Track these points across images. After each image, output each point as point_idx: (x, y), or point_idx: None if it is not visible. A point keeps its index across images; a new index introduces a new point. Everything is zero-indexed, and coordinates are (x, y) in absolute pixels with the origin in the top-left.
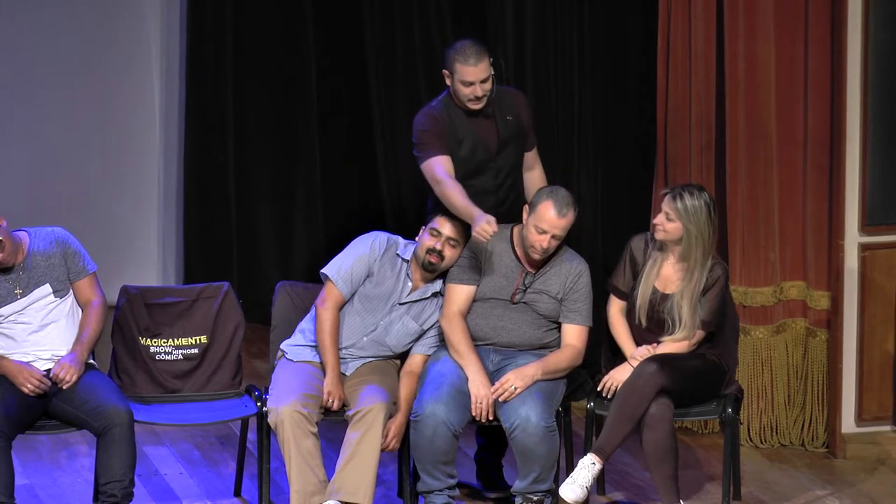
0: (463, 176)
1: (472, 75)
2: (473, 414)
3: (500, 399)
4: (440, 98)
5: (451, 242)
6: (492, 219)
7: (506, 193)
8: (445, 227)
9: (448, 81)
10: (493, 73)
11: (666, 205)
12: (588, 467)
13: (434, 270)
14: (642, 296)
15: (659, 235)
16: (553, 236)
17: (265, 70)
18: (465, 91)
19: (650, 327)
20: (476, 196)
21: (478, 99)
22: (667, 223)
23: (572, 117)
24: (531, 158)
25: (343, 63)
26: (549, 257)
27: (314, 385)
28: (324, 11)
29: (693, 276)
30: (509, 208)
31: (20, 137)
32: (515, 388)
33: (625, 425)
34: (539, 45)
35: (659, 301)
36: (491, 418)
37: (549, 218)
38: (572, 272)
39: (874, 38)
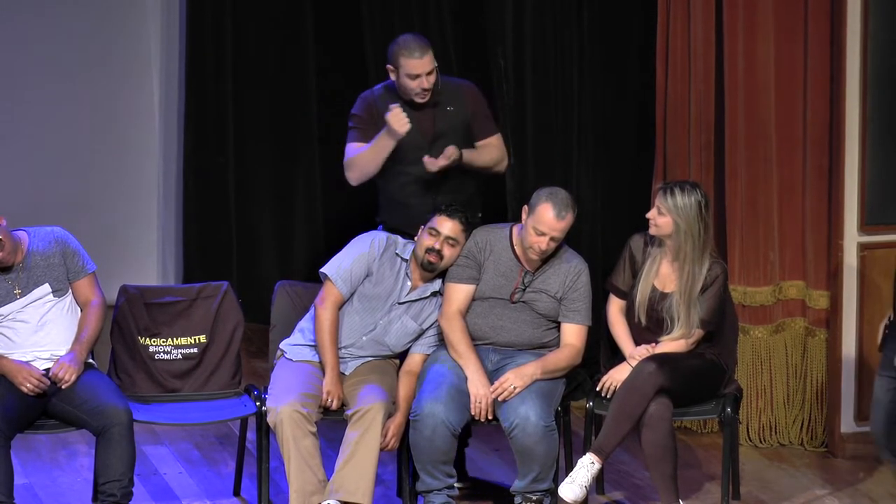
0: (399, 163)
1: (417, 68)
2: (473, 413)
3: (499, 398)
4: (384, 84)
5: (450, 241)
6: (394, 106)
7: (450, 185)
8: (444, 227)
9: (393, 76)
10: (436, 65)
11: (658, 199)
12: (587, 467)
13: (433, 270)
14: (641, 294)
15: (651, 230)
16: (552, 238)
17: (265, 70)
18: (412, 84)
19: (650, 326)
20: (414, 184)
21: (425, 91)
22: (658, 217)
23: (572, 117)
24: (488, 143)
25: (342, 62)
26: (548, 256)
27: (313, 384)
28: (323, 11)
29: (686, 272)
30: (469, 198)
31: (20, 137)
32: (514, 388)
33: (624, 425)
34: (539, 45)
35: (658, 300)
36: (490, 417)
37: (547, 220)
38: (572, 271)
39: (874, 37)
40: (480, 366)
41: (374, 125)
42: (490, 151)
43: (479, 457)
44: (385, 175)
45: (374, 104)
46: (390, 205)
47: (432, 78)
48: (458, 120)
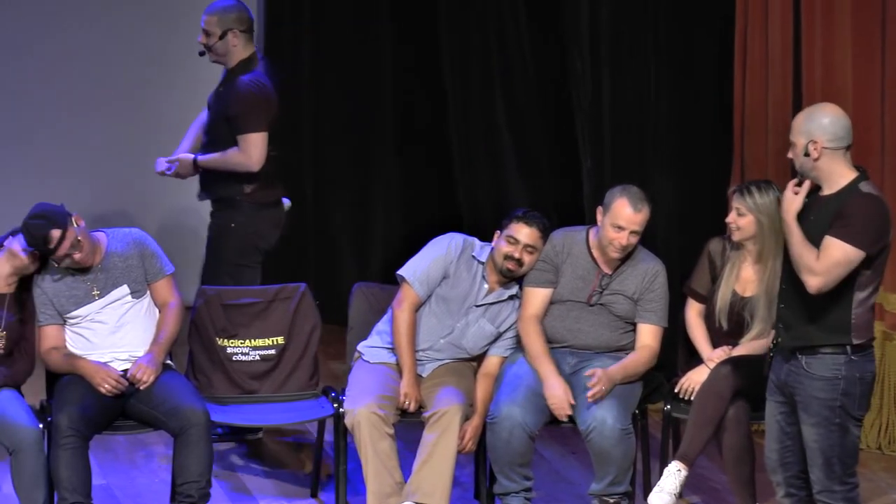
0: None
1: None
2: (551, 409)
3: (589, 398)
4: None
5: (529, 249)
6: None
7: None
8: (522, 234)
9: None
10: (218, 32)
11: (735, 201)
12: (674, 474)
13: (512, 277)
14: (722, 299)
15: (734, 236)
16: (631, 232)
17: (342, 70)
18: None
19: (731, 330)
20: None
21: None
22: (739, 219)
23: (648, 119)
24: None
25: (419, 64)
26: (624, 258)
27: (391, 386)
28: (401, 13)
29: (769, 269)
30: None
31: (96, 135)
32: (602, 390)
33: (705, 429)
34: (615, 47)
35: (739, 304)
36: (570, 412)
37: (625, 214)
38: (648, 272)
39: None
40: (555, 368)
41: None
42: (232, 151)
43: (555, 459)
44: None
45: None
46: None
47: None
48: (218, 106)
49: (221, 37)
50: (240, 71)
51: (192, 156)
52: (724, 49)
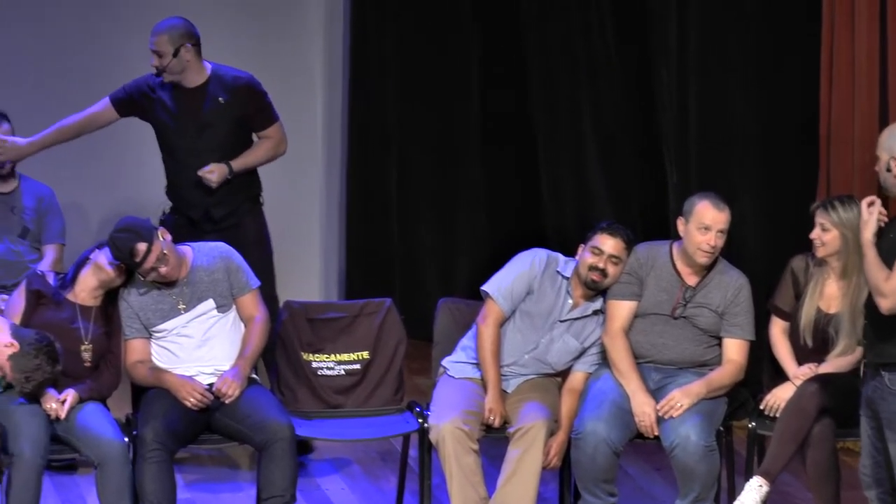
0: (167, 144)
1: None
2: (638, 427)
3: (664, 416)
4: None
5: (613, 260)
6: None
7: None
8: (607, 245)
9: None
10: (171, 49)
11: (820, 217)
12: (755, 489)
13: (596, 288)
14: (806, 316)
15: (819, 251)
16: (718, 231)
17: (429, 85)
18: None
19: (816, 348)
20: (185, 171)
21: (158, 69)
22: (823, 235)
23: (734, 134)
24: (265, 135)
25: (507, 80)
26: (707, 270)
27: (475, 402)
28: (487, 28)
29: (853, 284)
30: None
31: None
32: (681, 405)
33: (789, 446)
34: (701, 60)
35: (823, 321)
36: (657, 432)
37: (710, 214)
38: (732, 285)
39: None
40: (643, 384)
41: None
42: (264, 145)
43: (640, 475)
44: (163, 152)
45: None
46: (170, 183)
47: (157, 61)
48: (229, 113)
49: (175, 54)
50: (214, 79)
51: (224, 166)
52: (810, 61)
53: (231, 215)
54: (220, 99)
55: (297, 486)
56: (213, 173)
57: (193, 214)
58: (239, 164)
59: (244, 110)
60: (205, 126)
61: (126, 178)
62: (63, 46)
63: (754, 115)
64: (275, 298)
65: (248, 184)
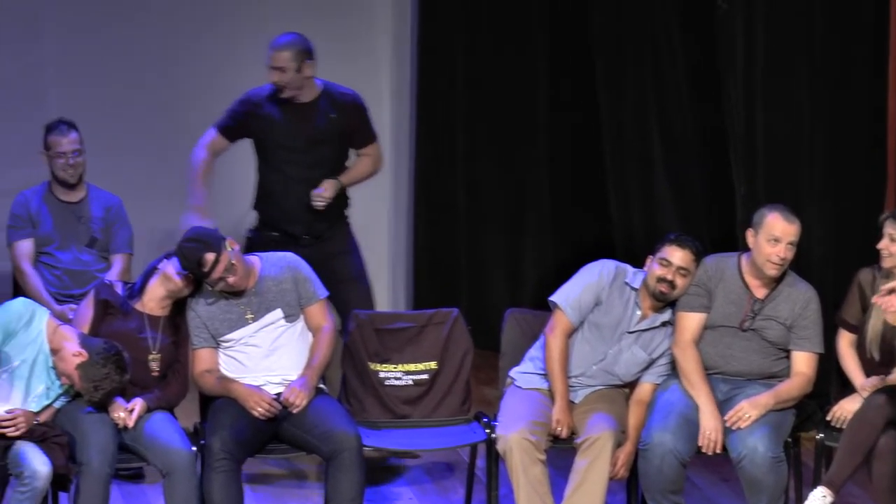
0: (274, 157)
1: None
2: (701, 445)
3: (732, 427)
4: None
5: (682, 272)
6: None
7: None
8: (675, 257)
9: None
10: (295, 65)
11: (888, 227)
12: (819, 500)
13: (665, 300)
14: (873, 329)
15: (886, 262)
16: (788, 243)
17: (496, 96)
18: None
19: (882, 360)
20: (286, 182)
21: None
22: (891, 245)
23: (802, 146)
24: (365, 153)
25: (574, 93)
26: (776, 282)
27: (543, 412)
28: (556, 40)
29: None
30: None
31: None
32: (749, 416)
33: (855, 457)
34: (770, 75)
35: (890, 334)
36: (720, 450)
37: (780, 226)
38: (801, 298)
39: None
40: (713, 397)
41: (246, 113)
42: (365, 162)
43: (707, 486)
44: (265, 166)
45: (253, 98)
46: (267, 197)
47: (276, 76)
48: (337, 129)
49: (297, 70)
50: (324, 94)
51: (336, 182)
52: (878, 69)
53: (328, 229)
54: (331, 115)
55: (365, 497)
56: (326, 191)
57: (295, 230)
58: (347, 179)
59: (349, 126)
60: (316, 142)
61: None
62: (136, 55)
63: (822, 128)
64: (371, 302)
65: (343, 198)
